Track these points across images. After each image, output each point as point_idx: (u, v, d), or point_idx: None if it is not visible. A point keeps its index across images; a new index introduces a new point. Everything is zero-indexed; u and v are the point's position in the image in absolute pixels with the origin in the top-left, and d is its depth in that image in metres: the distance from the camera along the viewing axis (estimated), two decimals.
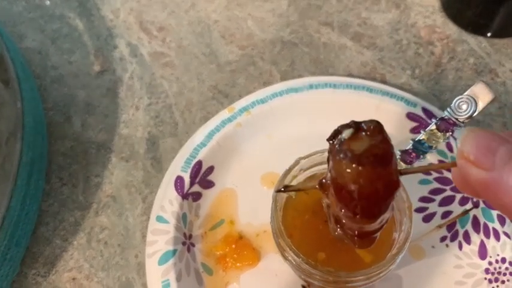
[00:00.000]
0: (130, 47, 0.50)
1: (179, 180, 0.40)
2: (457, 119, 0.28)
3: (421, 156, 0.30)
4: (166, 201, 0.39)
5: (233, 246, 0.38)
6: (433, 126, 0.30)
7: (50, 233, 0.41)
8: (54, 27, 0.52)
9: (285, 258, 0.33)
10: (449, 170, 0.40)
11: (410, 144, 0.30)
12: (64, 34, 0.51)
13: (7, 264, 0.37)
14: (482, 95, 0.28)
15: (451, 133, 0.30)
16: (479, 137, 0.22)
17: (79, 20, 0.52)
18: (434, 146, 0.30)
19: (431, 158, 0.39)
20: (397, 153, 0.30)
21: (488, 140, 0.22)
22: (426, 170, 0.38)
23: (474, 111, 0.28)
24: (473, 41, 0.49)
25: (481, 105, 0.28)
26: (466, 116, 0.28)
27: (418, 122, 0.42)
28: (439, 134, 0.29)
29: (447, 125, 0.29)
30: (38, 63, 0.49)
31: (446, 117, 0.29)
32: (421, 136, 0.30)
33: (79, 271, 0.39)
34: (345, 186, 0.23)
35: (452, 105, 0.29)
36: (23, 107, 0.40)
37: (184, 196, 0.40)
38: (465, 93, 0.28)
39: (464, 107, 0.28)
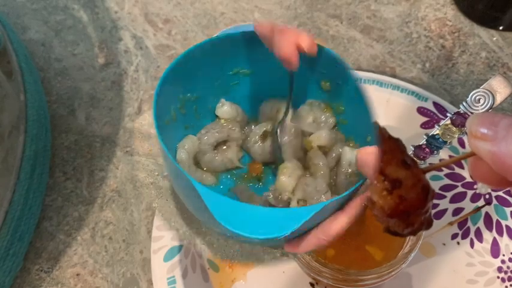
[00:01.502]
0: (135, 40, 0.49)
1: None
2: (473, 113, 0.27)
3: (435, 151, 0.29)
4: None
5: None
6: (447, 121, 0.29)
7: (54, 228, 0.40)
8: (58, 18, 0.51)
9: (294, 255, 0.32)
10: (462, 168, 0.40)
11: (424, 139, 0.29)
12: (68, 26, 0.50)
13: (10, 260, 0.36)
14: (500, 89, 0.27)
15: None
16: (484, 116, 0.24)
17: (83, 12, 0.51)
18: (449, 141, 0.29)
19: (443, 154, 0.38)
20: (411, 149, 0.29)
21: (491, 116, 0.23)
22: (449, 164, 0.37)
23: (491, 105, 0.27)
24: (485, 34, 0.48)
25: (498, 99, 0.27)
26: (483, 110, 0.27)
27: (429, 117, 0.41)
28: (454, 128, 0.28)
29: (463, 120, 0.28)
30: (42, 56, 0.49)
31: (461, 112, 0.28)
32: (436, 131, 0.29)
33: (83, 267, 0.39)
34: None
35: (468, 99, 0.28)
36: (26, 99, 0.39)
37: None
38: (482, 87, 0.28)
39: (481, 101, 0.27)
